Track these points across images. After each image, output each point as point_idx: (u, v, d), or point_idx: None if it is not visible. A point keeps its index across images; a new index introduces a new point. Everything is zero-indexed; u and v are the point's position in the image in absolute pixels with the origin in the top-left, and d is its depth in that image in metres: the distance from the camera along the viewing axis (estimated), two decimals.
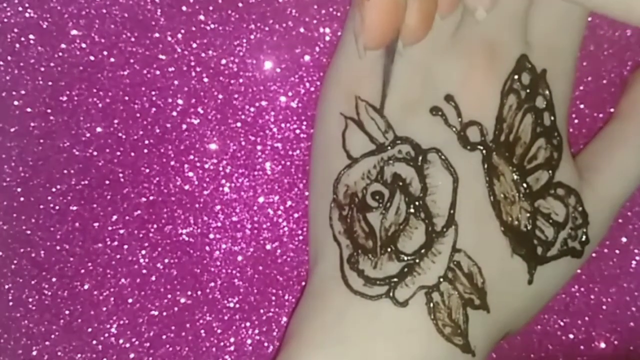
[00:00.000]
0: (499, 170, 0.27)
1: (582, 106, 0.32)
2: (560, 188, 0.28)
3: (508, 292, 0.27)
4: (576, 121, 0.32)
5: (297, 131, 0.32)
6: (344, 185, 0.28)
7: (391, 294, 0.26)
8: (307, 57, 0.32)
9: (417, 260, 0.26)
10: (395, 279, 0.26)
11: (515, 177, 0.27)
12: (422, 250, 0.26)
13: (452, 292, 0.26)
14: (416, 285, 0.26)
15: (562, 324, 0.32)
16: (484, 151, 0.27)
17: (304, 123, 0.32)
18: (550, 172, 0.28)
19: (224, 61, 0.32)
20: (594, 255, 0.32)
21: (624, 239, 0.32)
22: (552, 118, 0.28)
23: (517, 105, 0.27)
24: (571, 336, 0.32)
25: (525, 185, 0.27)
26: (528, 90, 0.28)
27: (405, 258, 0.26)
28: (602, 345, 0.32)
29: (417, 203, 0.27)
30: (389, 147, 0.27)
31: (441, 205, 0.27)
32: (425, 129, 0.27)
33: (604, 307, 0.32)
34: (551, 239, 0.28)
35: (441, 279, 0.26)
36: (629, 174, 0.29)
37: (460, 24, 0.28)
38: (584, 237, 0.28)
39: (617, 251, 0.32)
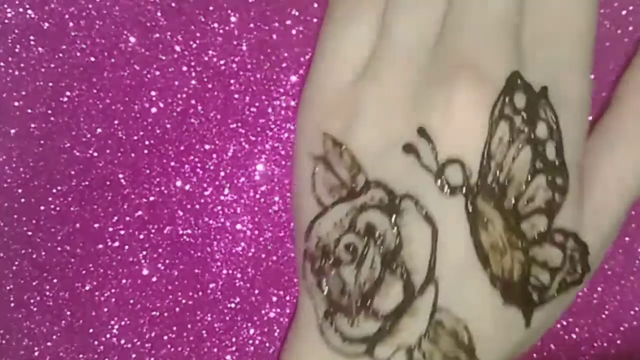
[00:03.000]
0: (485, 216, 0.23)
1: None
2: (559, 233, 0.24)
3: (503, 339, 0.25)
4: None
5: None
6: (316, 237, 0.25)
7: (371, 353, 0.24)
8: (307, 57, 0.32)
9: (396, 319, 0.24)
10: (374, 338, 0.24)
11: (506, 224, 0.23)
12: (401, 309, 0.24)
13: (435, 352, 0.24)
14: (396, 344, 0.24)
15: (564, 323, 0.32)
16: (467, 195, 0.23)
17: None
18: (549, 217, 0.24)
19: (223, 61, 0.32)
20: None
21: (627, 238, 0.32)
22: (558, 150, 0.24)
23: (510, 135, 0.23)
24: (574, 335, 0.32)
25: (518, 233, 0.24)
26: (524, 115, 0.23)
27: (383, 317, 0.24)
28: (605, 344, 0.32)
29: (392, 257, 0.24)
30: (361, 193, 0.25)
31: (419, 259, 0.24)
32: (400, 170, 0.24)
33: (607, 306, 0.32)
34: (547, 284, 0.25)
35: (422, 338, 0.24)
36: (625, 184, 0.26)
37: (440, 37, 0.25)
38: (582, 269, 0.25)
39: (620, 250, 0.32)
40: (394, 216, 0.24)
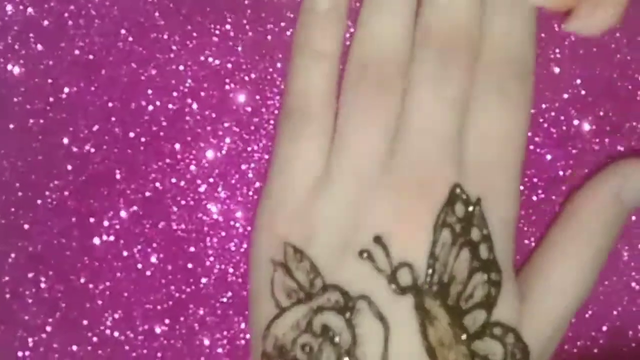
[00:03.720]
0: (432, 314, 0.26)
1: (572, 111, 0.32)
2: (497, 327, 0.26)
3: None
4: (564, 127, 0.32)
5: None
6: (273, 337, 0.27)
7: None
8: None
9: None
10: None
11: (451, 320, 0.26)
12: None
13: None
14: None
15: None
16: (416, 295, 0.26)
17: None
18: (487, 311, 0.26)
19: (219, 61, 0.32)
20: None
21: None
22: (490, 250, 0.26)
23: (452, 241, 0.26)
24: None
25: (461, 327, 0.26)
26: (462, 223, 0.26)
27: None
28: (589, 343, 0.33)
29: (347, 356, 0.25)
30: (318, 296, 0.26)
31: (372, 357, 0.25)
32: (355, 274, 0.26)
33: (591, 306, 0.32)
34: None
35: None
36: (570, 291, 0.28)
37: (391, 151, 0.27)
38: None
39: None
40: (348, 317, 0.26)
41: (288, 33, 0.32)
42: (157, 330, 0.32)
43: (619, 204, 0.29)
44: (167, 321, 0.32)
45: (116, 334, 0.32)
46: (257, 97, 0.32)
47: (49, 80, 0.32)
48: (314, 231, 0.27)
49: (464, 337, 0.26)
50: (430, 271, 0.26)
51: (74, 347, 0.32)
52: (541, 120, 0.32)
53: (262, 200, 0.30)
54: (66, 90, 0.32)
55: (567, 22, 0.26)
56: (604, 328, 0.33)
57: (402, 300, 0.26)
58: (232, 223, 0.32)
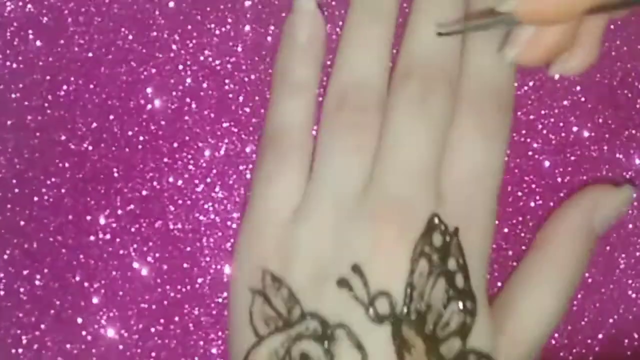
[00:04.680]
0: (409, 342, 0.26)
1: (571, 118, 0.33)
2: (472, 355, 0.27)
3: None
4: (563, 134, 0.33)
5: None
6: None
7: None
8: None
9: None
10: None
11: (427, 348, 0.26)
12: None
13: None
14: None
15: None
16: (394, 323, 0.26)
17: None
18: (462, 339, 0.26)
19: (219, 61, 0.32)
20: None
21: (607, 247, 0.33)
22: (466, 280, 0.27)
23: (429, 270, 0.26)
24: (553, 341, 0.32)
25: (438, 356, 0.26)
26: (440, 253, 0.26)
27: None
28: (584, 351, 0.33)
29: None
30: (297, 324, 0.26)
31: None
32: (333, 302, 0.26)
33: (587, 313, 0.33)
34: None
35: None
36: (544, 314, 0.29)
37: (369, 181, 0.27)
38: None
39: (600, 259, 0.32)
40: (327, 345, 0.26)
41: None
42: (152, 329, 0.32)
43: (590, 230, 0.29)
44: (161, 320, 0.32)
45: (110, 332, 0.32)
46: (256, 97, 0.32)
47: (47, 77, 0.32)
48: (292, 259, 0.27)
49: None
50: (407, 300, 0.26)
51: (68, 346, 0.32)
52: (540, 126, 0.32)
53: (241, 228, 0.30)
54: (64, 87, 0.32)
55: (550, 69, 0.27)
56: (600, 336, 0.33)
57: (380, 329, 0.26)
58: (228, 223, 0.32)
